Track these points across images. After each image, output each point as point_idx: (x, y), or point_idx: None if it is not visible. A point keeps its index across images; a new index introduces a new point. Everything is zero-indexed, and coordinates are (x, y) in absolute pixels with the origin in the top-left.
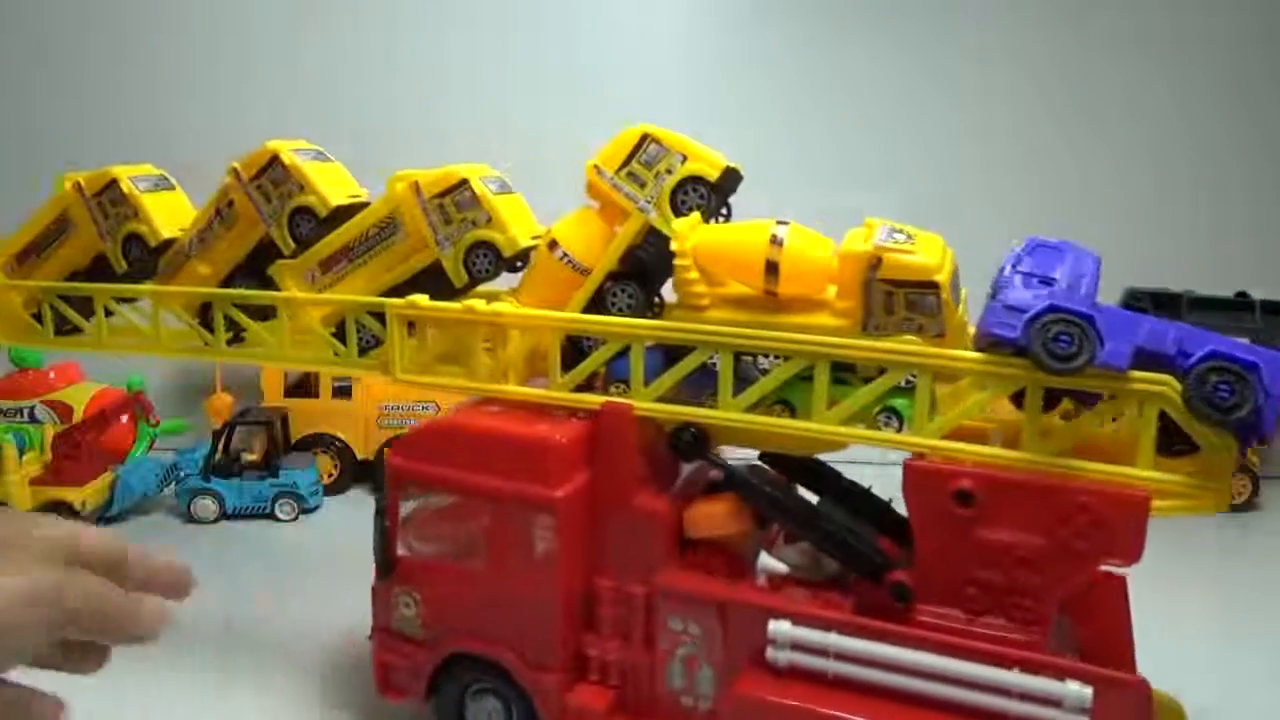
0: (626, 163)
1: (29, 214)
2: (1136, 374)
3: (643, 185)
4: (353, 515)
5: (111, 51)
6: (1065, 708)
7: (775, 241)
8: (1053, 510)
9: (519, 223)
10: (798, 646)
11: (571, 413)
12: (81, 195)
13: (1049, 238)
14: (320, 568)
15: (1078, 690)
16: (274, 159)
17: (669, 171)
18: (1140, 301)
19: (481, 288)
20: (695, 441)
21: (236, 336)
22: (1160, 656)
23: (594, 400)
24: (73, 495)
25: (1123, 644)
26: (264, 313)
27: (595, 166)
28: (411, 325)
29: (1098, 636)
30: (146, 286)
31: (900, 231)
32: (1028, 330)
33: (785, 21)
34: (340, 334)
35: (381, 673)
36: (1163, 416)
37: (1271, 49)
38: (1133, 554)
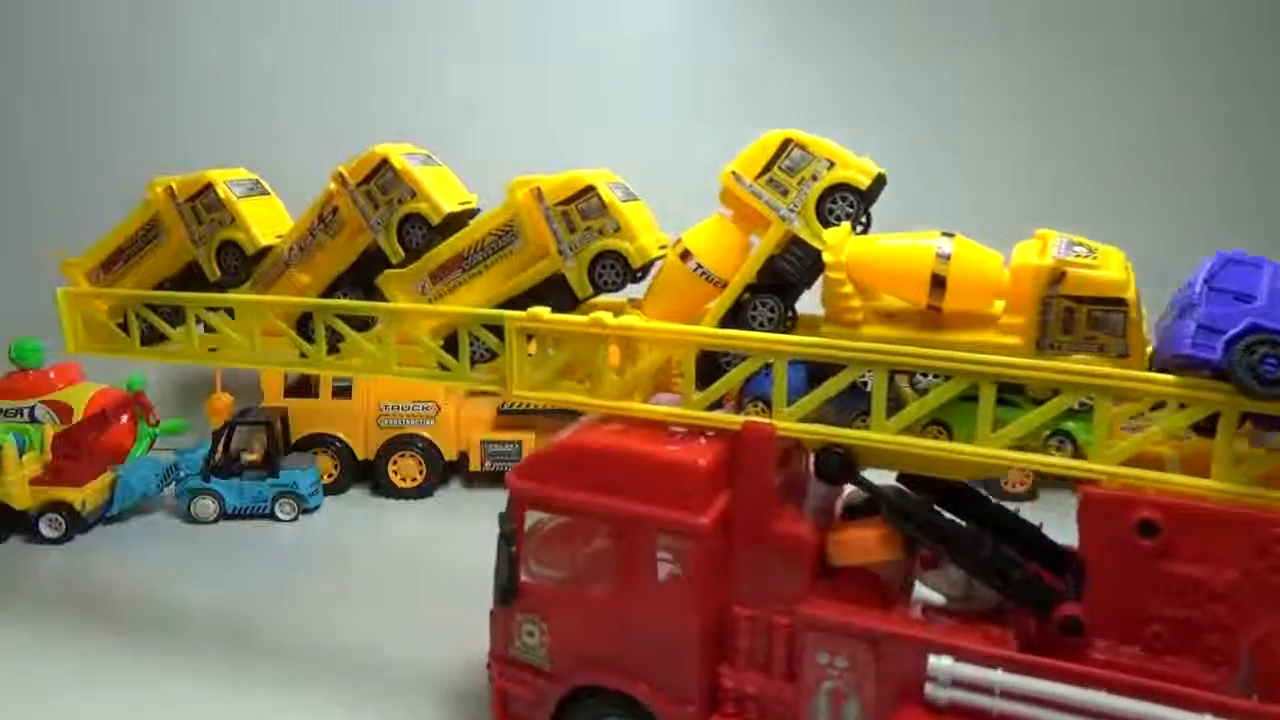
0: (767, 169)
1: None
2: None
3: (785, 193)
4: (353, 515)
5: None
6: None
7: (942, 255)
8: (1248, 542)
9: (646, 231)
10: (960, 684)
11: (699, 431)
12: (173, 200)
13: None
14: (321, 568)
15: None
16: (384, 163)
17: (814, 178)
18: None
19: (601, 298)
20: (844, 464)
21: (333, 348)
22: None
23: (733, 420)
24: (73, 495)
25: None
26: (365, 324)
27: (733, 173)
28: (529, 339)
29: (1269, 674)
30: (244, 296)
31: (1080, 244)
32: (1229, 352)
33: (788, 20)
34: (450, 346)
35: (501, 702)
36: None
37: None
38: None
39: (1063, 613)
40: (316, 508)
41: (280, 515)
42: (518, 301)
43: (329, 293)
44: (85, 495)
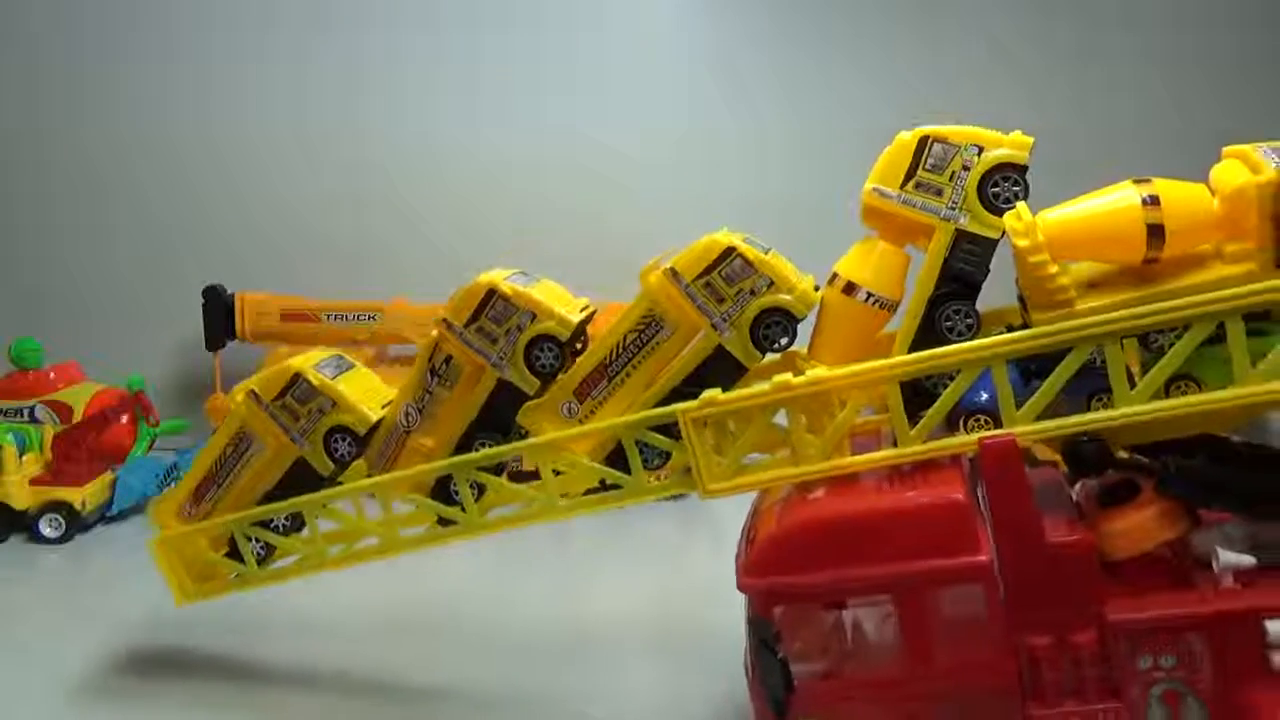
0: (911, 174)
1: None
2: None
3: (939, 193)
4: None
5: None
6: None
7: (1150, 201)
8: None
9: (797, 276)
10: None
11: (924, 465)
12: (259, 404)
13: None
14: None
15: None
16: (491, 294)
17: (966, 168)
18: None
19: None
20: (1099, 451)
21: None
22: None
23: (968, 441)
24: (73, 495)
25: None
26: (499, 469)
27: (874, 189)
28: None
29: None
30: (377, 478)
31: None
32: None
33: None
34: (614, 461)
35: None
36: None
37: None
38: None
39: None
40: None
41: None
42: (676, 392)
43: (462, 447)
44: (85, 495)
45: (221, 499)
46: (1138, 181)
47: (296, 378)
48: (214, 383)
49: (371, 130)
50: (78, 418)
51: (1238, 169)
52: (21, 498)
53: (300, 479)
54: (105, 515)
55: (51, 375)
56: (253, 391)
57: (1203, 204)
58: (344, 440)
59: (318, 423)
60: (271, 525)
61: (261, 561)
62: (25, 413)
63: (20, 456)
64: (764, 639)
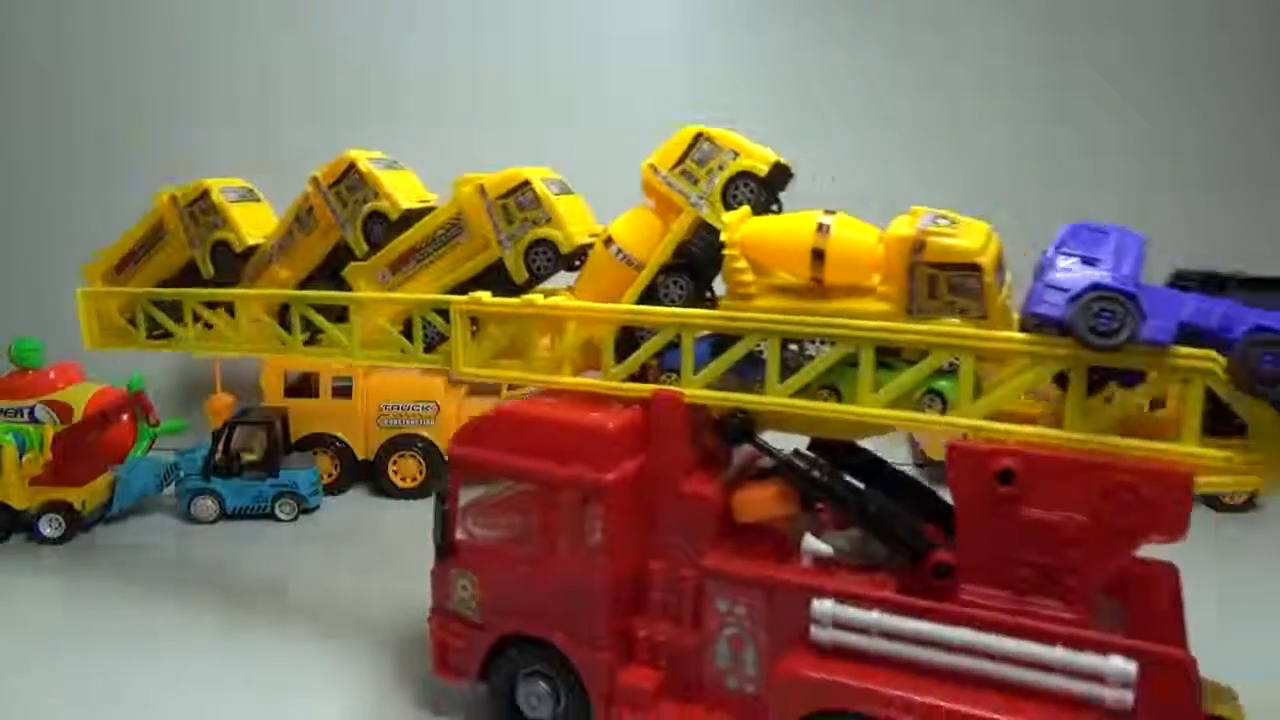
0: (680, 161)
1: None
2: (1180, 349)
3: (695, 182)
4: (353, 515)
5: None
6: (1108, 682)
7: (821, 230)
8: (1095, 488)
9: (577, 221)
10: (840, 624)
11: (628, 402)
12: (175, 206)
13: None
14: (321, 568)
15: (1121, 665)
16: (351, 167)
17: (721, 168)
18: (1188, 282)
19: (543, 285)
20: (743, 427)
21: (313, 338)
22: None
23: (644, 389)
24: (73, 495)
25: (1175, 629)
26: (339, 314)
27: (651, 166)
28: (474, 321)
29: (1148, 621)
30: (231, 290)
31: (944, 217)
32: (1071, 308)
33: (788, 17)
34: (409, 331)
35: (439, 653)
36: (1216, 398)
37: None
38: (1176, 530)
39: (934, 558)
40: (316, 508)
41: (280, 515)
42: (466, 288)
43: (305, 286)
44: (85, 495)
45: (135, 275)
46: (828, 212)
47: (204, 193)
48: (214, 383)
49: (374, 130)
50: (78, 418)
51: (903, 222)
52: (21, 498)
53: (192, 277)
54: (105, 515)
55: (51, 375)
56: (173, 195)
57: (867, 244)
58: (224, 253)
59: (209, 235)
60: (162, 307)
61: (150, 335)
62: (25, 413)
63: (20, 456)
64: (440, 494)
